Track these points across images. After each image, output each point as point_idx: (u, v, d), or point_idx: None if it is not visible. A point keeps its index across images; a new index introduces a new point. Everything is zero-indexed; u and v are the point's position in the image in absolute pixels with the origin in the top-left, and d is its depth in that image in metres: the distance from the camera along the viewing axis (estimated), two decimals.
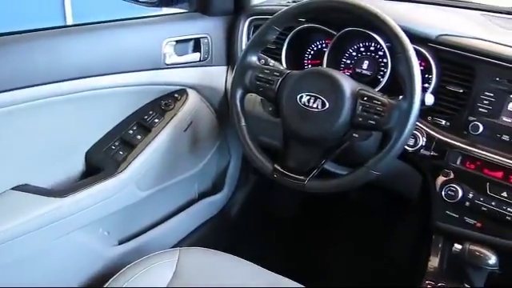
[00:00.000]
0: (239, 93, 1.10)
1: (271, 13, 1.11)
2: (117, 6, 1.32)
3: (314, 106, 1.00)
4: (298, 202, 1.75)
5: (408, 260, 1.43)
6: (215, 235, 1.56)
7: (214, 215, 1.59)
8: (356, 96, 0.98)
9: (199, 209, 1.52)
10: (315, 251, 1.65)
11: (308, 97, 1.00)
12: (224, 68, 1.39)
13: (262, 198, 1.75)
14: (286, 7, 1.08)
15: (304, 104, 1.01)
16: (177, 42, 1.28)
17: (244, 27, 1.34)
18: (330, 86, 0.99)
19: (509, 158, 1.00)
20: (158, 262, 1.06)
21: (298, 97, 1.01)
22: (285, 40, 1.26)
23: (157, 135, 1.26)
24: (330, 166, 1.17)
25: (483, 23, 1.24)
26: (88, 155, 1.23)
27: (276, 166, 1.05)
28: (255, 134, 1.12)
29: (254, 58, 1.10)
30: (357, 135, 0.99)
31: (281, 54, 1.26)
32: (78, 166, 1.23)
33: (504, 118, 1.02)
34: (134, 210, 1.28)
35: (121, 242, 1.31)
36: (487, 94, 1.03)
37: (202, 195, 1.55)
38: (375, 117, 0.96)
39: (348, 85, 0.99)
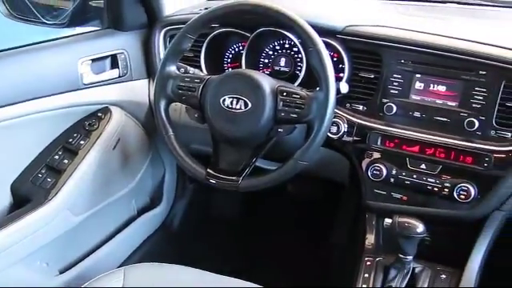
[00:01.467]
0: (163, 103, 1.11)
1: (184, 21, 1.13)
2: (27, 31, 1.29)
3: (238, 107, 1.03)
4: (239, 203, 1.77)
5: (349, 242, 1.49)
6: (160, 249, 1.55)
7: (157, 229, 1.58)
8: (276, 92, 1.02)
9: (140, 225, 1.50)
10: (261, 248, 1.68)
11: (230, 99, 1.03)
12: (145, 81, 1.39)
13: (203, 205, 1.76)
14: (198, 14, 1.10)
15: (227, 106, 1.03)
16: (92, 60, 1.26)
17: (159, 38, 1.34)
18: (249, 86, 1.03)
19: (422, 133, 1.08)
20: (103, 285, 1.04)
21: (221, 100, 1.04)
22: (202, 47, 1.28)
23: (84, 157, 1.23)
24: (262, 164, 1.21)
25: (385, 10, 1.33)
26: (14, 187, 1.19)
27: (209, 170, 1.07)
28: (186, 142, 1.13)
29: (172, 68, 1.11)
30: (282, 130, 1.03)
31: (200, 61, 1.28)
32: (4, 199, 1.18)
33: (413, 97, 1.10)
34: (72, 236, 1.24)
35: (62, 271, 1.27)
36: (395, 76, 1.10)
37: (142, 211, 1.53)
38: (296, 110, 1.00)
39: (267, 83, 1.03)
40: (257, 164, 1.10)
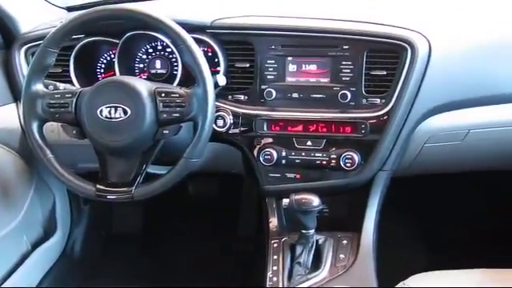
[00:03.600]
0: (34, 125, 1.04)
1: (44, 36, 1.06)
2: None
3: (117, 115, 0.99)
4: (141, 214, 1.72)
5: (257, 230, 1.52)
6: (63, 280, 1.45)
7: (56, 260, 1.47)
8: (154, 95, 1.00)
9: (36, 260, 1.39)
10: (172, 255, 1.65)
11: (108, 109, 0.99)
12: (12, 105, 1.28)
13: (104, 224, 1.68)
14: (56, 27, 1.04)
15: (106, 117, 0.99)
16: None
17: (20, 58, 1.24)
18: (125, 92, 1.00)
19: (303, 112, 1.13)
20: None
21: (98, 111, 1.00)
22: (69, 60, 1.21)
23: None
24: (155, 169, 1.18)
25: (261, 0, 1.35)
26: None
27: (98, 186, 1.03)
28: (72, 162, 1.07)
29: (39, 86, 1.04)
30: (167, 131, 1.02)
31: (70, 76, 1.22)
32: None
33: (289, 79, 1.14)
34: None
35: None
36: (269, 62, 1.14)
37: (36, 244, 1.41)
38: (178, 109, 1.00)
39: (143, 86, 1.01)
40: (150, 171, 1.08)
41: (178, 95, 1.00)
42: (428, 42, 1.07)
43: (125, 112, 0.99)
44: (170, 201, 1.55)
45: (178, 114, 1.00)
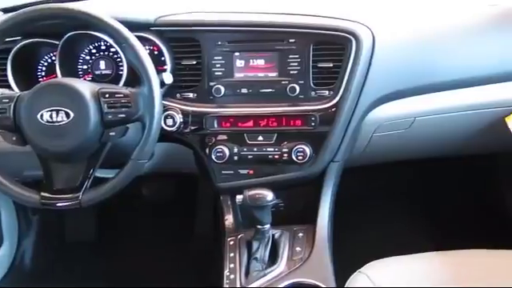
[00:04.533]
0: None
1: None
2: None
3: (59, 119, 0.95)
4: (94, 221, 1.67)
5: (214, 229, 1.51)
6: None
7: (5, 274, 1.41)
8: (98, 96, 0.97)
9: None
10: (129, 260, 1.61)
11: (49, 112, 0.95)
12: None
13: (55, 233, 1.62)
14: None
15: (48, 121, 0.95)
16: None
17: None
18: (66, 95, 0.96)
19: (253, 107, 1.13)
20: None
21: (39, 116, 0.96)
22: (6, 64, 1.15)
23: None
24: (104, 173, 1.14)
25: None
26: None
27: (43, 193, 0.99)
28: (16, 171, 1.02)
29: None
30: (114, 133, 0.99)
31: (7, 80, 1.16)
32: None
33: (237, 75, 1.13)
34: None
35: None
36: (216, 58, 1.13)
37: None
38: (123, 109, 0.97)
39: (86, 88, 0.97)
40: (99, 175, 1.04)
41: (123, 95, 0.97)
42: (372, 33, 1.09)
43: (67, 115, 0.95)
44: (124, 205, 1.52)
45: (123, 115, 0.97)
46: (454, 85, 1.17)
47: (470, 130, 1.29)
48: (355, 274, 1.04)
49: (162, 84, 1.05)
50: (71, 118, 0.95)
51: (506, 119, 1.20)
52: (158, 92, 0.97)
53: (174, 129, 1.12)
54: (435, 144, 1.35)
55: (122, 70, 1.18)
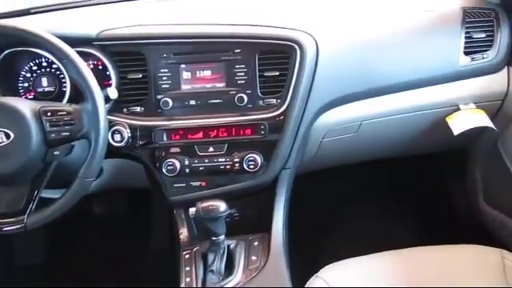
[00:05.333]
0: None
1: None
2: None
3: None
4: (44, 244, 1.61)
5: (170, 243, 1.48)
6: None
7: None
8: (39, 115, 0.95)
9: None
10: (83, 278, 1.56)
11: None
12: None
13: (4, 258, 1.55)
14: None
15: None
16: None
17: None
18: (5, 115, 0.93)
19: (202, 118, 1.12)
20: None
21: None
22: None
23: None
24: (52, 194, 1.11)
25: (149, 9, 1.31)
26: None
27: None
28: None
29: None
30: (58, 152, 0.96)
31: None
32: None
33: (184, 87, 1.13)
34: None
35: None
36: (162, 71, 1.12)
37: None
38: (67, 127, 0.95)
39: (26, 107, 0.95)
40: (45, 195, 1.01)
41: (66, 113, 0.95)
42: (315, 41, 1.11)
43: (7, 136, 0.92)
44: (76, 224, 1.47)
45: (67, 133, 0.95)
46: (397, 88, 1.21)
47: (415, 131, 1.34)
48: (312, 278, 1.05)
49: (108, 99, 1.03)
50: (11, 138, 0.92)
51: (447, 119, 1.25)
52: (102, 108, 0.95)
53: (122, 144, 1.10)
54: (383, 146, 1.39)
55: (65, 87, 1.15)
